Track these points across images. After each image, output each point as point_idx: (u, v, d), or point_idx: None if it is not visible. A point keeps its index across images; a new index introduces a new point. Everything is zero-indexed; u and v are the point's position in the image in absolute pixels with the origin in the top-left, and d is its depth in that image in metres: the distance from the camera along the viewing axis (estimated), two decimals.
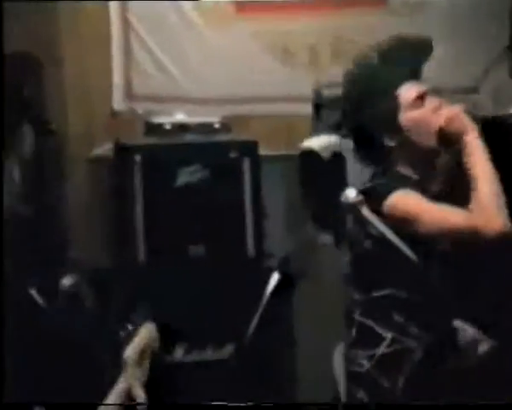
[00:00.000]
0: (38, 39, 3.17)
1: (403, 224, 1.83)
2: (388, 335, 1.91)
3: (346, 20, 3.32)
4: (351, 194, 1.86)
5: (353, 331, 1.99)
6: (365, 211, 1.87)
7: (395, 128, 1.91)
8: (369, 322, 1.96)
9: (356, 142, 2.08)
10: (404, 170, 1.93)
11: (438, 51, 2.20)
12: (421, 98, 1.87)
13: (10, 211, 2.92)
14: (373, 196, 1.88)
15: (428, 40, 2.08)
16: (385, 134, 1.90)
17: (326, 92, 3.32)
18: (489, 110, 3.18)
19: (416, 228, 1.79)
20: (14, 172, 3.05)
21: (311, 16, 3.34)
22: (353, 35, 3.30)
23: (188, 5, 3.36)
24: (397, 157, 1.93)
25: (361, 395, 1.91)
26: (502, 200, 1.83)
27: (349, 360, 2.00)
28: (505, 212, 1.78)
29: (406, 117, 1.92)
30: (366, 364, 1.91)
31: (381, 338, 1.91)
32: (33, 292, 2.96)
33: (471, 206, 1.81)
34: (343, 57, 3.32)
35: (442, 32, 3.19)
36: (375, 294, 1.94)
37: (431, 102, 1.89)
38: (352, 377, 1.95)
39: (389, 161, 1.93)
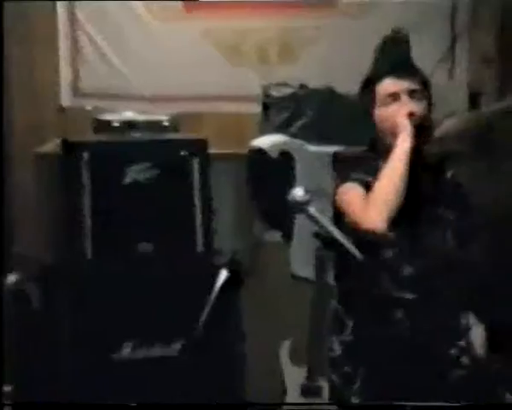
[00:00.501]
0: None
1: (344, 214, 1.97)
2: (350, 323, 2.00)
3: (296, 20, 3.37)
4: (298, 193, 1.87)
5: (328, 318, 2.10)
6: (312, 210, 1.88)
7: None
8: (340, 309, 2.06)
9: None
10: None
11: None
12: (393, 96, 1.94)
13: None
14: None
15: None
16: None
17: (274, 92, 3.39)
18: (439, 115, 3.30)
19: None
20: None
21: (261, 16, 3.37)
22: (303, 36, 3.38)
23: (137, 3, 3.37)
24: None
25: (335, 378, 2.01)
26: (393, 202, 1.90)
27: (326, 345, 2.10)
28: (389, 214, 1.86)
29: (377, 112, 2.00)
30: (338, 349, 2.00)
31: (346, 325, 2.01)
32: None
33: (369, 200, 1.93)
34: (292, 58, 3.40)
35: None
36: (340, 284, 2.08)
37: (404, 102, 1.96)
38: (329, 361, 2.04)
39: None
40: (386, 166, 1.92)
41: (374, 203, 1.95)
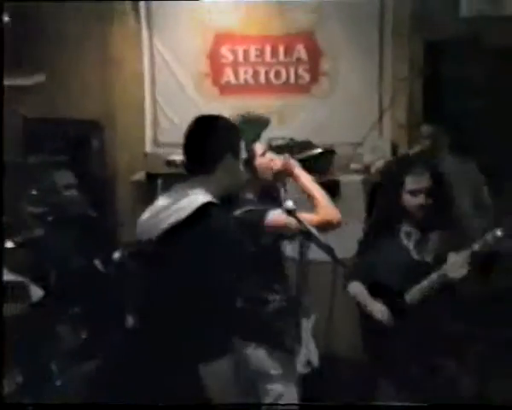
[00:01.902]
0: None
1: (279, 230, 2.83)
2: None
3: (287, 99, 5.25)
4: (289, 204, 2.70)
5: None
6: (299, 215, 2.69)
7: (250, 169, 2.90)
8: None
9: None
10: (250, 196, 2.98)
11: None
12: (263, 153, 3.06)
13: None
14: (254, 218, 2.83)
15: (267, 118, 3.52)
16: None
17: (274, 142, 5.16)
18: (368, 159, 5.15)
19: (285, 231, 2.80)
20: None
21: (266, 96, 5.25)
22: (291, 109, 5.27)
23: (191, 87, 5.38)
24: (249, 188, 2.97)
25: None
26: (330, 201, 2.90)
27: None
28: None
29: (257, 163, 2.98)
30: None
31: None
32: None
33: (317, 210, 2.87)
34: (285, 123, 5.24)
35: (347, 113, 5.13)
36: None
37: (269, 155, 3.07)
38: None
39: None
40: (308, 187, 2.94)
41: (324, 206, 2.82)
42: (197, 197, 2.50)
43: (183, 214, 2.46)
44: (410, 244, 3.41)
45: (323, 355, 3.74)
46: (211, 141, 2.61)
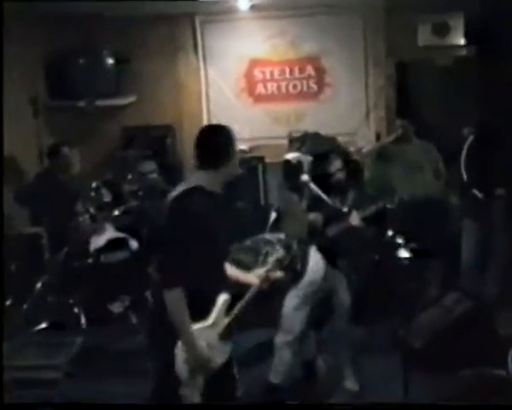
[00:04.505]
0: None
1: None
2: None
3: (302, 104, 7.22)
4: (304, 177, 3.91)
5: None
6: (311, 184, 3.85)
7: None
8: None
9: None
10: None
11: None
12: None
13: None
14: None
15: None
16: None
17: (293, 134, 6.74)
18: (360, 144, 7.06)
19: None
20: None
21: (287, 103, 7.20)
22: (304, 112, 7.28)
23: (234, 99, 7.35)
24: None
25: None
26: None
27: None
28: None
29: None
30: None
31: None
32: None
33: None
34: (300, 120, 7.28)
35: (345, 112, 7.02)
36: None
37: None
38: None
39: None
40: None
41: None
42: (190, 183, 3.06)
43: (174, 194, 3.06)
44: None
45: None
46: (218, 144, 3.08)
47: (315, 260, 4.22)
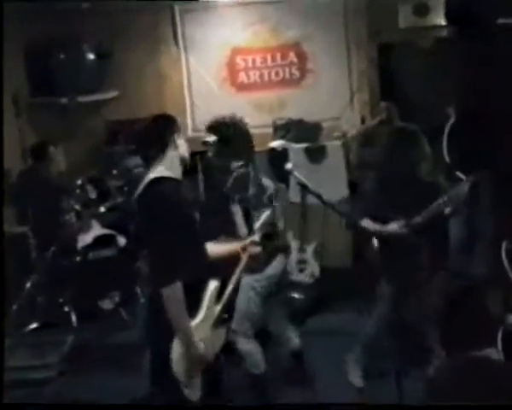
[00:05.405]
0: None
1: None
2: None
3: (284, 92, 7.22)
4: (289, 165, 3.94)
5: None
6: (295, 173, 3.91)
7: None
8: None
9: None
10: None
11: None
12: None
13: None
14: None
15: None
16: None
17: (277, 121, 6.79)
18: (345, 128, 7.05)
19: None
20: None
21: (269, 91, 7.20)
22: (287, 99, 7.27)
23: (216, 88, 7.34)
24: None
25: None
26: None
27: None
28: None
29: None
30: None
31: None
32: None
33: None
34: (283, 108, 7.27)
35: (328, 97, 7.07)
36: None
37: None
38: None
39: None
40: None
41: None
42: (155, 171, 3.17)
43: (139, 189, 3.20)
44: None
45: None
46: (159, 131, 3.27)
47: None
